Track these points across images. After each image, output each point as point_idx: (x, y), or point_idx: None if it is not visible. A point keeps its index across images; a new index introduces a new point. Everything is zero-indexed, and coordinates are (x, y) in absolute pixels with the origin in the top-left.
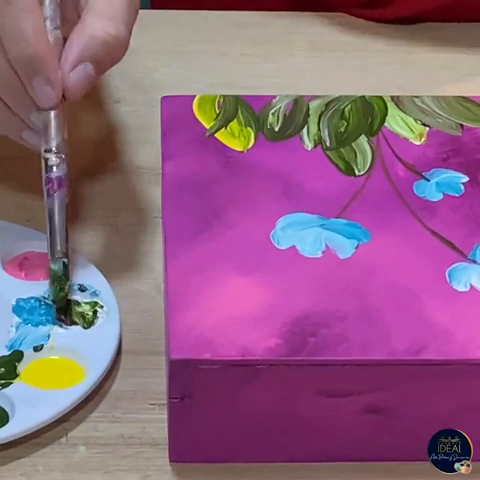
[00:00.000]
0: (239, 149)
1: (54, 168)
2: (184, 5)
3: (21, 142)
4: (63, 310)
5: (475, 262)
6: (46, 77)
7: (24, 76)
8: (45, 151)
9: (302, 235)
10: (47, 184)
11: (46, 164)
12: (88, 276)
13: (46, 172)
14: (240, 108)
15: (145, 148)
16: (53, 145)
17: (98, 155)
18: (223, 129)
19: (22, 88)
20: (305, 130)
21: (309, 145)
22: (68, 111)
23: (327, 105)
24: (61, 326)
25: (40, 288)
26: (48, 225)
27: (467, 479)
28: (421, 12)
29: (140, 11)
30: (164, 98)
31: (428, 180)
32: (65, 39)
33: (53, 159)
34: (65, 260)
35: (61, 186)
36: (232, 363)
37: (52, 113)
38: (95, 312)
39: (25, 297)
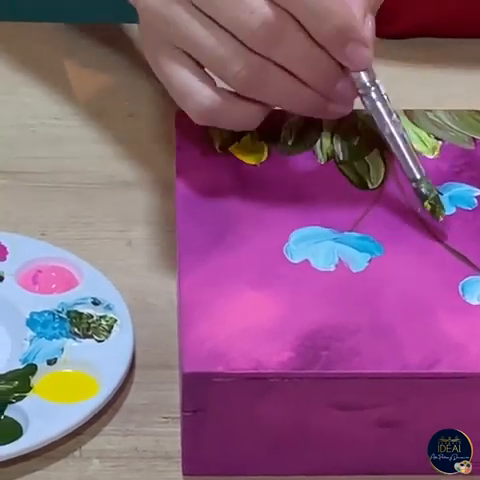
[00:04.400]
0: (252, 163)
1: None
2: None
3: (325, 117)
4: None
5: None
6: (359, 40)
7: (336, 47)
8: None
9: (315, 248)
10: None
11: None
12: (102, 290)
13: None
14: None
15: (159, 162)
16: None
17: (111, 169)
18: (236, 143)
19: (328, 62)
20: (318, 144)
21: (322, 159)
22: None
23: (340, 119)
24: (75, 340)
25: (54, 301)
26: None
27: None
28: (425, 26)
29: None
30: (178, 112)
31: (441, 194)
32: None
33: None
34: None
35: None
36: (245, 376)
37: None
38: (109, 326)
39: (39, 310)
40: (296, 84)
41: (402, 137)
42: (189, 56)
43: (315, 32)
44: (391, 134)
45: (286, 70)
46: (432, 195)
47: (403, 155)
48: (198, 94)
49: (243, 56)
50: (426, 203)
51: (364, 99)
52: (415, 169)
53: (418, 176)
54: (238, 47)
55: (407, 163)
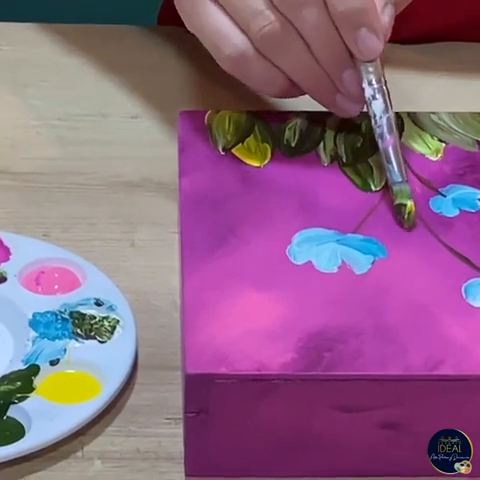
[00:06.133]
0: (256, 164)
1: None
2: None
3: (333, 109)
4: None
5: None
6: (372, 27)
7: (348, 29)
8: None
9: (318, 250)
10: None
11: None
12: (104, 291)
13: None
14: (257, 123)
15: (162, 163)
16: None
17: (115, 170)
18: (240, 145)
19: (340, 43)
20: (321, 146)
21: (325, 161)
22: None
23: (344, 121)
24: (77, 340)
25: (56, 302)
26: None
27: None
28: (433, 31)
29: (153, 28)
30: (181, 113)
31: (444, 196)
32: None
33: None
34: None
35: None
36: (248, 378)
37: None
38: (111, 327)
39: (42, 311)
40: (309, 57)
41: (392, 139)
42: (221, 6)
43: (333, 9)
44: (381, 134)
45: (304, 41)
46: (405, 203)
47: (389, 157)
48: (235, 38)
49: (271, 12)
50: (396, 202)
51: (365, 94)
52: (398, 172)
53: (399, 179)
54: (268, 3)
55: (392, 165)
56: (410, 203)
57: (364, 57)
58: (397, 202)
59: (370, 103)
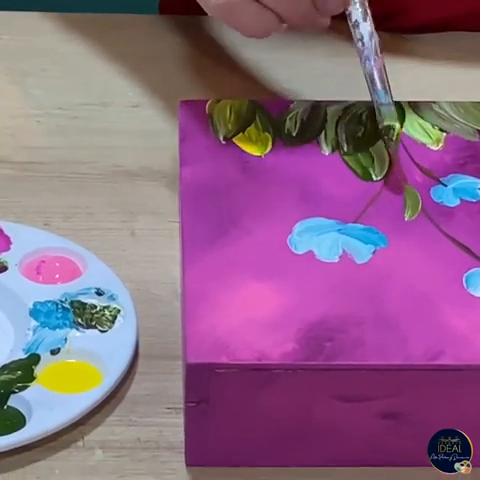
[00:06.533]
0: (257, 154)
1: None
2: (190, 11)
3: (310, 29)
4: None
5: None
6: None
7: None
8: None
9: (319, 240)
10: None
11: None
12: (105, 280)
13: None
14: (258, 113)
15: (163, 153)
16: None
17: (115, 160)
18: (240, 134)
19: None
20: (323, 135)
21: (327, 150)
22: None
23: (345, 110)
24: (78, 330)
25: (57, 291)
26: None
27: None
28: (433, 21)
29: (154, 17)
30: (182, 103)
31: (445, 185)
32: None
33: None
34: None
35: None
36: (249, 367)
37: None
38: (112, 316)
39: (42, 300)
40: None
41: (376, 61)
42: None
43: None
44: (368, 56)
45: None
46: (394, 124)
47: (376, 79)
48: None
49: None
50: (381, 126)
51: (351, 17)
52: (385, 94)
53: (386, 101)
54: None
55: (376, 85)
56: (398, 125)
57: None
58: (386, 123)
59: (357, 25)
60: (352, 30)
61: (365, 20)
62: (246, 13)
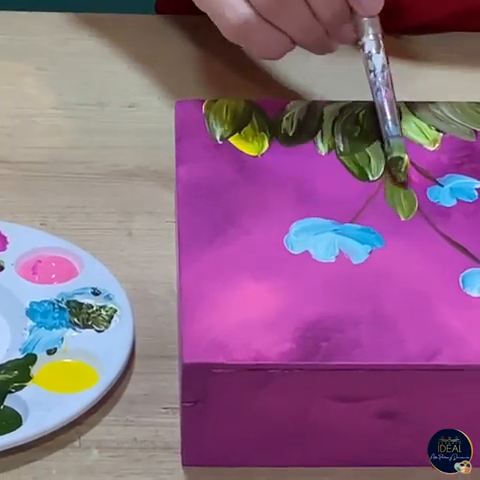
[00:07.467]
0: (253, 154)
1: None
2: (187, 11)
3: (321, 52)
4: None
5: None
6: None
7: None
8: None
9: (316, 240)
10: None
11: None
12: (102, 280)
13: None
14: (254, 113)
15: (160, 153)
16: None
17: (112, 159)
18: (237, 134)
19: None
20: (319, 135)
21: (323, 150)
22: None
23: (341, 110)
24: (74, 330)
25: (54, 291)
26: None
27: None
28: (432, 22)
29: (150, 16)
30: (178, 103)
31: (442, 186)
32: None
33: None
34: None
35: None
36: (245, 367)
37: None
38: (109, 316)
39: (39, 300)
40: (310, 16)
41: (387, 92)
42: None
43: None
44: (380, 88)
45: (305, 1)
46: (402, 156)
47: (387, 110)
48: (239, 6)
49: None
50: (389, 157)
51: (365, 48)
52: (394, 126)
53: (395, 133)
54: None
55: (385, 116)
56: (406, 157)
57: (365, 13)
58: (394, 155)
59: (370, 57)
60: (364, 61)
61: (378, 52)
62: (260, 35)
